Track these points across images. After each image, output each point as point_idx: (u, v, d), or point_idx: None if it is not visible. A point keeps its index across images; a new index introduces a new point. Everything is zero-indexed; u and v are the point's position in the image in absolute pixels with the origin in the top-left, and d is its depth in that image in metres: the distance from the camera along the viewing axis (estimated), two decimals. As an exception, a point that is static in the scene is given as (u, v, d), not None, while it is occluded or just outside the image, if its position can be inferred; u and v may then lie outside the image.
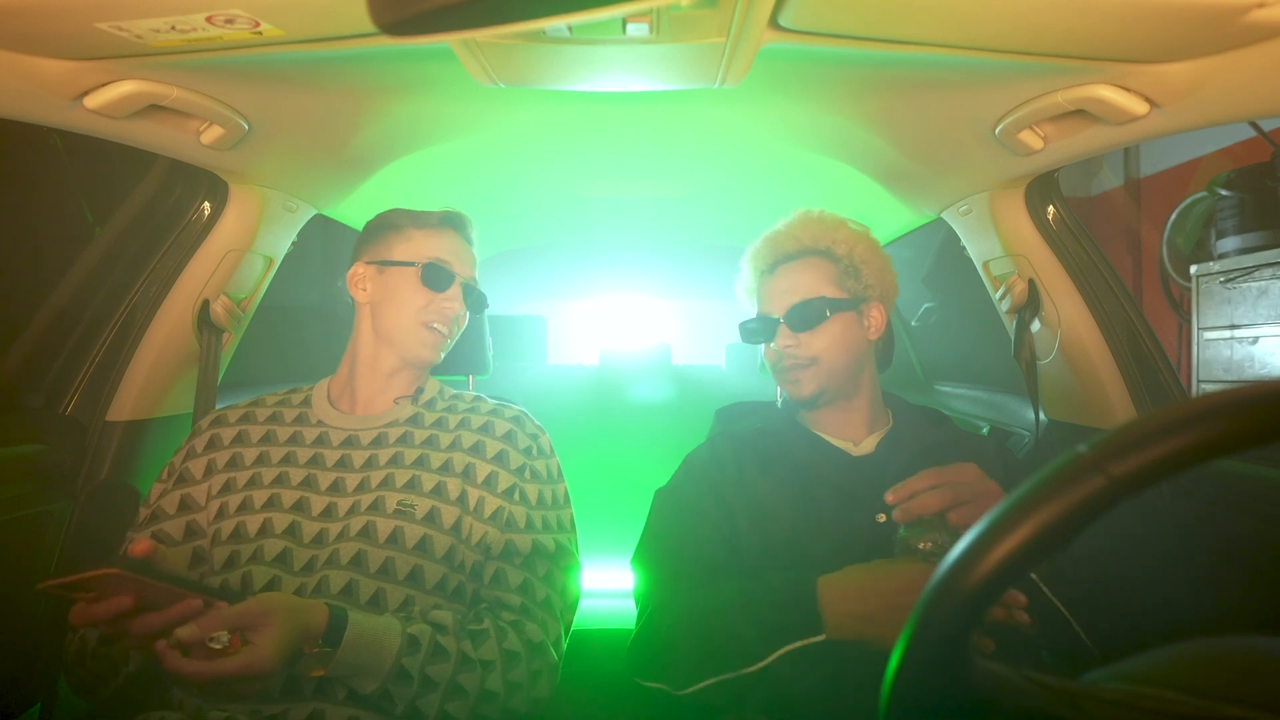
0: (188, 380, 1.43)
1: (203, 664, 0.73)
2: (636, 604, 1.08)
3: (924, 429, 1.17)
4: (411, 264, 1.13)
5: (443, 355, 1.17)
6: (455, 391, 1.21)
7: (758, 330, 1.18)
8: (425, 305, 1.13)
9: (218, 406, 1.30)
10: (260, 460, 1.06)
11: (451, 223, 1.20)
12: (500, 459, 1.08)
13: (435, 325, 1.13)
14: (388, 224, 1.19)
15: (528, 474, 1.09)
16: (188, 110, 1.03)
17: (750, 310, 1.24)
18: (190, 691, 0.84)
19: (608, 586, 1.85)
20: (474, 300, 1.20)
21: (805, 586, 0.91)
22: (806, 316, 1.12)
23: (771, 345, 1.15)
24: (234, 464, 1.06)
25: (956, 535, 0.89)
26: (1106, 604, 0.94)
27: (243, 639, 0.76)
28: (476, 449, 1.09)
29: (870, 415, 1.17)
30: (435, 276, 1.14)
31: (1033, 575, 0.92)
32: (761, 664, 0.88)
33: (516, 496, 1.07)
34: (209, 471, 1.06)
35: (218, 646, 0.74)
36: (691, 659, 0.94)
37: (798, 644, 0.87)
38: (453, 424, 1.12)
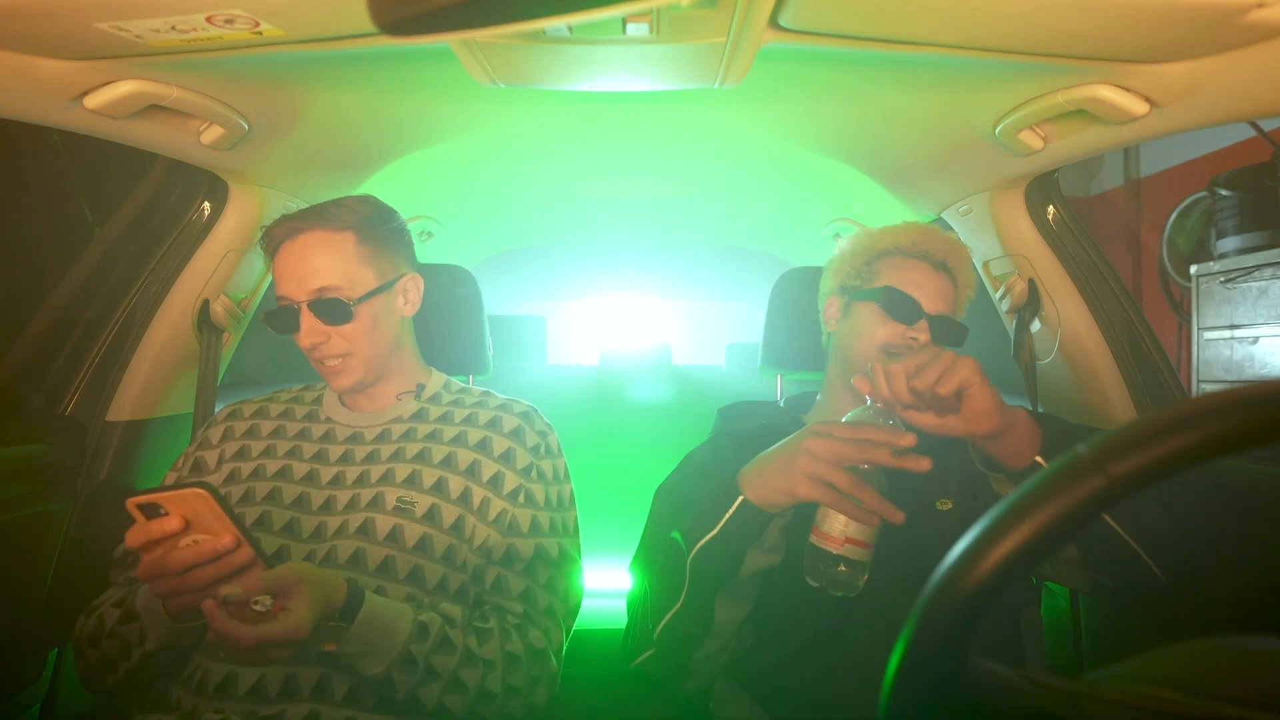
0: (188, 380, 1.43)
1: (249, 627, 0.74)
2: (628, 608, 1.08)
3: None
4: (269, 310, 1.05)
5: (363, 372, 1.06)
6: (462, 386, 1.20)
7: (901, 306, 1.09)
8: (300, 345, 1.04)
9: (218, 406, 1.30)
10: (266, 453, 1.07)
11: (282, 236, 1.04)
12: (507, 457, 1.07)
13: (320, 360, 1.05)
14: (263, 242, 1.07)
15: (534, 474, 1.08)
16: (188, 110, 1.03)
17: (848, 268, 1.17)
18: (225, 656, 0.82)
19: (608, 586, 1.85)
20: (332, 312, 1.02)
21: (732, 479, 0.92)
22: (946, 330, 1.11)
23: (902, 329, 1.09)
24: (241, 455, 1.07)
25: (893, 424, 0.88)
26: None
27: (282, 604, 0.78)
28: (483, 445, 1.08)
29: None
30: (279, 321, 1.04)
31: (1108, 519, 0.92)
32: (703, 541, 0.89)
33: (521, 498, 1.06)
34: (220, 461, 1.07)
35: (260, 609, 0.75)
36: (655, 601, 0.96)
37: (725, 517, 0.89)
38: (458, 418, 1.11)
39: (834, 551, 0.85)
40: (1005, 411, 0.89)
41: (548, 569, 1.04)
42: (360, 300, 1.03)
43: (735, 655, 1.04)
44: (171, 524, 0.77)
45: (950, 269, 1.15)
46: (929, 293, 1.11)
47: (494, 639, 0.95)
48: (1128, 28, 0.77)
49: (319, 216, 1.04)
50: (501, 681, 0.94)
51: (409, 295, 1.13)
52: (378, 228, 1.08)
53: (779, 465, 0.86)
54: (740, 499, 0.88)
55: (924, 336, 1.08)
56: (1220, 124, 0.93)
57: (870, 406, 0.91)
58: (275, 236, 1.05)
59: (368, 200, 1.10)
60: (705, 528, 0.90)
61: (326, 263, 1.03)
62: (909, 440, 0.82)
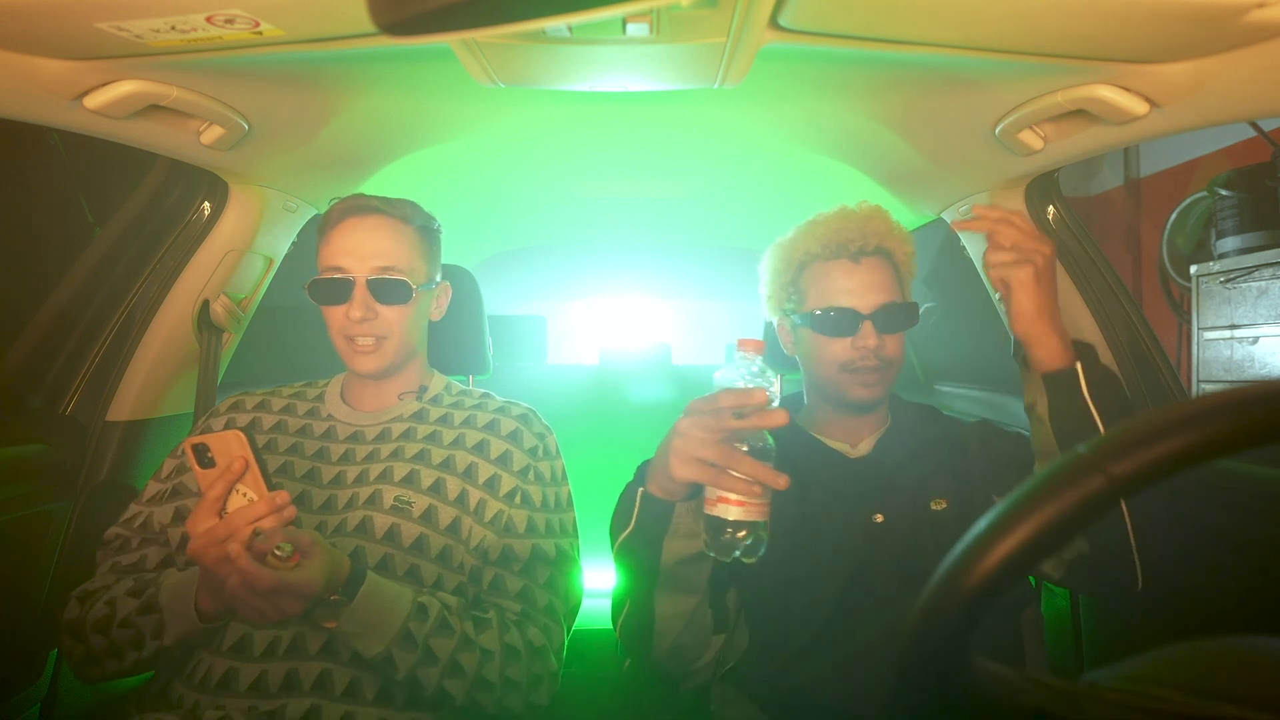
0: (188, 380, 1.43)
1: (269, 571, 0.78)
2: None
3: (919, 428, 1.16)
4: (314, 278, 1.07)
5: (390, 359, 1.08)
6: (463, 388, 1.20)
7: (837, 323, 1.07)
8: (338, 320, 1.06)
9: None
10: (268, 448, 1.07)
11: (345, 214, 1.07)
12: (503, 460, 1.08)
13: (354, 337, 1.05)
14: (320, 223, 1.11)
15: (531, 475, 1.09)
16: (188, 110, 1.03)
17: (778, 292, 1.16)
18: (238, 610, 0.82)
19: (608, 587, 1.85)
20: (391, 292, 1.05)
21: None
22: (893, 318, 1.07)
23: (849, 343, 1.07)
24: None
25: (758, 370, 0.84)
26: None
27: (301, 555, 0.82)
28: (480, 448, 1.08)
29: (877, 418, 1.17)
30: (328, 291, 1.05)
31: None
32: (622, 537, 0.91)
33: (518, 500, 1.06)
34: None
35: (281, 555, 0.80)
36: (615, 602, 0.97)
37: (635, 511, 0.88)
38: (457, 420, 1.12)
39: (727, 519, 0.79)
40: (1042, 322, 0.95)
41: (546, 569, 1.04)
42: (419, 288, 1.07)
43: (734, 657, 1.04)
44: (238, 466, 0.84)
45: (874, 249, 1.10)
46: (859, 291, 1.07)
47: (492, 629, 0.96)
48: (1128, 28, 0.77)
49: (387, 204, 1.08)
50: (499, 673, 0.94)
51: (440, 301, 1.18)
52: (432, 233, 1.14)
53: (661, 450, 0.83)
54: (641, 490, 0.88)
55: (872, 340, 1.06)
56: (1220, 124, 0.93)
57: (738, 362, 0.84)
58: (340, 211, 1.07)
59: (420, 207, 1.14)
60: (624, 524, 0.91)
61: (394, 246, 1.06)
62: (758, 398, 0.76)
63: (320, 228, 1.10)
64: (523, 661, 0.96)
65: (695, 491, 0.83)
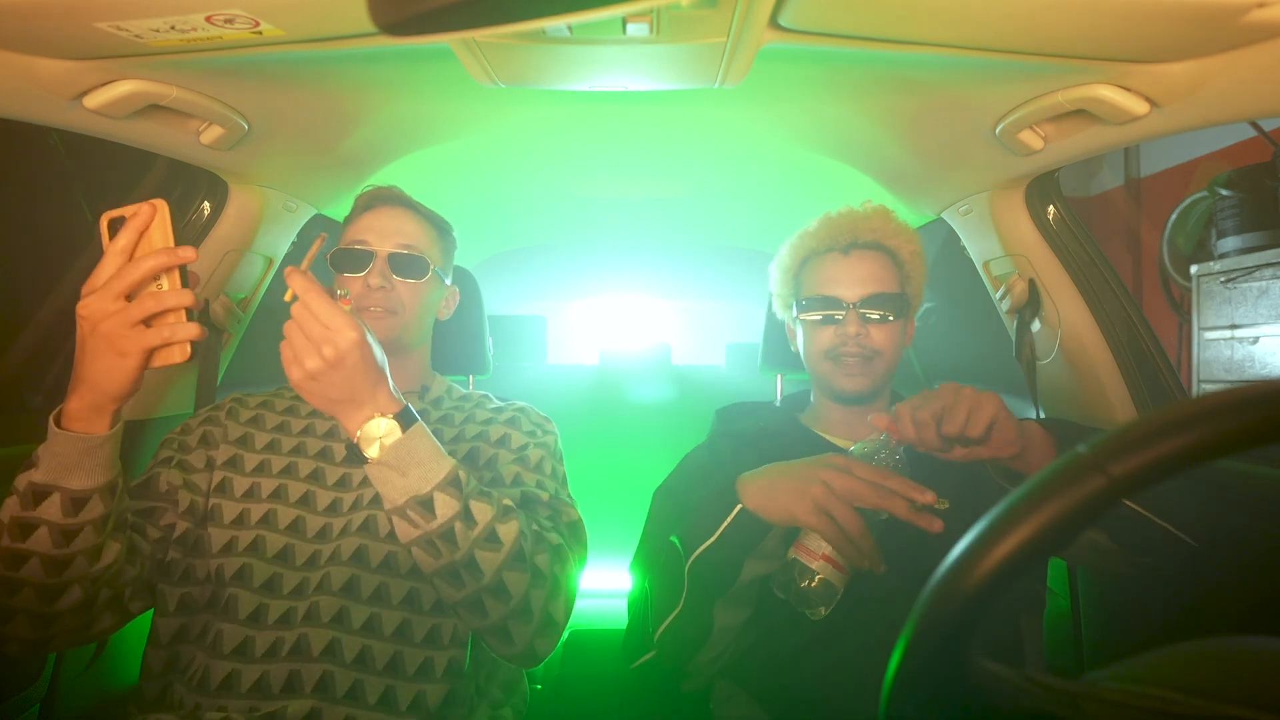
0: (187, 380, 1.43)
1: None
2: (629, 608, 1.08)
3: None
4: (336, 249, 1.11)
5: (396, 334, 1.09)
6: (464, 392, 1.21)
7: (821, 311, 1.13)
8: (353, 291, 1.08)
9: None
10: (270, 447, 1.07)
11: (374, 201, 1.13)
12: (503, 441, 1.10)
13: (367, 308, 1.07)
14: (352, 207, 1.16)
15: (535, 444, 1.10)
16: (187, 110, 1.03)
17: (784, 289, 1.22)
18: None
19: (608, 586, 1.85)
20: (408, 266, 1.09)
21: (730, 484, 0.92)
22: (880, 308, 1.11)
23: (833, 330, 1.12)
24: (244, 443, 1.07)
25: (901, 458, 0.92)
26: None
27: None
28: (481, 436, 1.10)
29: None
30: (349, 260, 1.09)
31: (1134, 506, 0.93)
32: (701, 549, 0.89)
33: (526, 460, 1.07)
34: (224, 439, 1.07)
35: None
36: (655, 605, 0.96)
37: (723, 524, 0.88)
38: (458, 420, 1.13)
39: (814, 569, 0.85)
40: (1023, 432, 0.91)
41: (555, 519, 1.00)
42: (435, 269, 1.12)
43: (736, 655, 1.04)
44: (127, 238, 0.78)
45: (866, 244, 1.14)
46: (847, 281, 1.12)
47: (519, 516, 0.88)
48: (1128, 28, 0.77)
49: (415, 202, 1.16)
50: (530, 554, 0.86)
51: (449, 302, 1.22)
52: (450, 238, 1.20)
53: (788, 486, 0.85)
54: (739, 507, 0.88)
55: (853, 328, 1.09)
56: (1220, 124, 0.93)
57: (883, 440, 0.92)
58: (371, 196, 1.14)
59: (441, 216, 1.20)
60: (703, 535, 0.90)
61: (417, 230, 1.14)
62: (928, 498, 0.82)
63: (350, 214, 1.15)
64: (549, 553, 0.90)
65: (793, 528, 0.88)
